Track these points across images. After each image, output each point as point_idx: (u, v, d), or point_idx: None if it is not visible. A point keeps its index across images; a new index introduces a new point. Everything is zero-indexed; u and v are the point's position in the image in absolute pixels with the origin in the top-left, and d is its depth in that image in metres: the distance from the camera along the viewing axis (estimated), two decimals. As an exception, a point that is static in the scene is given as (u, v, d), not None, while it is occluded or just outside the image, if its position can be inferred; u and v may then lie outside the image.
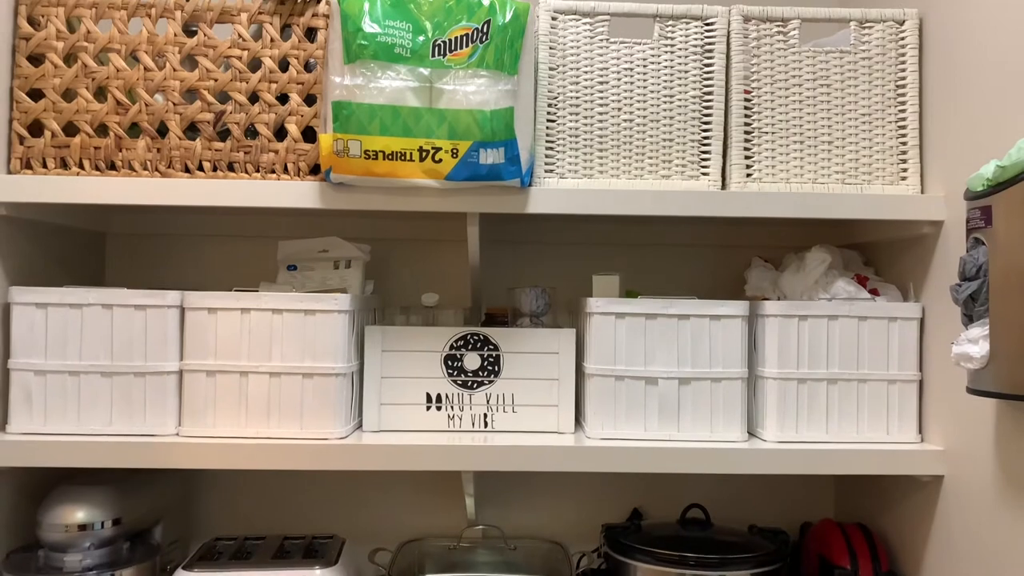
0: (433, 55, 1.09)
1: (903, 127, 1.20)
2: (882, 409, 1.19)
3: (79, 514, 1.14)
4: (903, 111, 1.21)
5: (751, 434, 1.21)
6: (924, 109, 1.21)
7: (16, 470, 1.18)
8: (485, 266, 1.33)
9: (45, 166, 1.15)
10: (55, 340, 1.13)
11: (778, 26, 1.20)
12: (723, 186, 1.20)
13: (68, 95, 1.16)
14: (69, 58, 1.16)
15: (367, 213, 1.32)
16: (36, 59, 1.16)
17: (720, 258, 1.49)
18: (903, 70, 1.21)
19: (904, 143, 1.20)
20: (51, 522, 1.13)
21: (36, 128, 1.16)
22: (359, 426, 1.21)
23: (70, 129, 1.16)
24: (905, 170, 1.20)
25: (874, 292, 1.24)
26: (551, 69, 1.19)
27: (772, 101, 1.20)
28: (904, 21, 1.21)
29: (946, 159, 1.16)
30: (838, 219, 1.22)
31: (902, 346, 1.19)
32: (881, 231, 1.30)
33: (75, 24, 1.16)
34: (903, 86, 1.21)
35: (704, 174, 1.20)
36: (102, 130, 1.16)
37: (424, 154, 1.09)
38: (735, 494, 1.47)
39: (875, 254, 1.37)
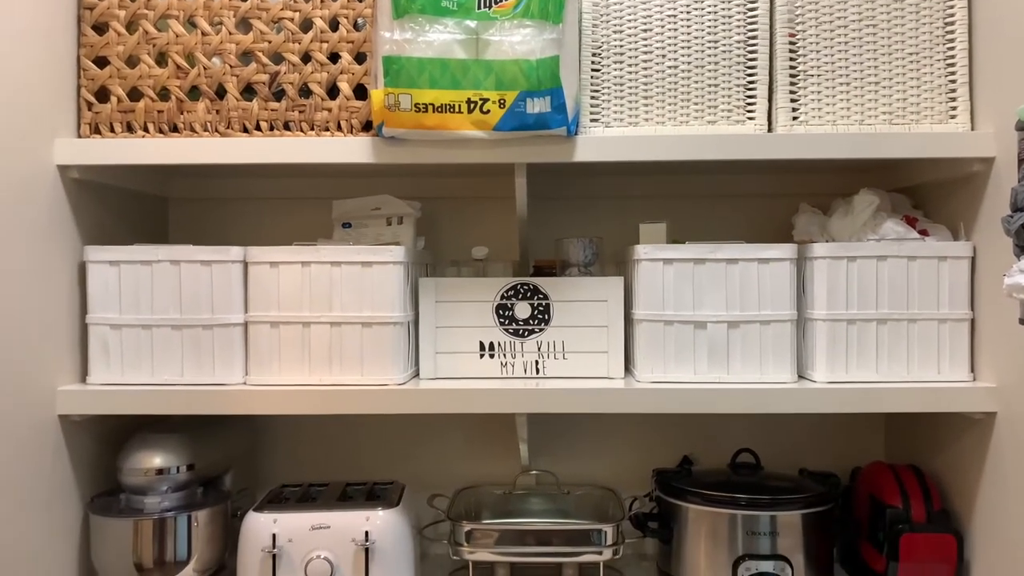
0: (479, 7, 1.11)
1: (952, 65, 1.19)
2: (933, 348, 1.19)
3: (156, 459, 1.20)
4: (952, 48, 1.19)
5: (801, 376, 1.23)
6: (973, 46, 1.19)
7: (96, 421, 1.25)
8: (531, 222, 1.36)
9: (112, 130, 1.21)
10: (128, 296, 1.19)
11: (822, -33, 1.20)
12: (769, 130, 1.21)
13: (131, 61, 1.21)
14: (131, 26, 1.21)
15: (417, 170, 1.35)
16: (100, 28, 1.21)
17: (767, 208, 1.49)
18: (951, 6, 1.19)
19: (953, 81, 1.19)
20: (131, 467, 1.20)
21: (102, 94, 1.21)
22: (416, 374, 1.26)
23: (134, 94, 1.21)
24: (954, 108, 1.19)
25: (924, 233, 1.24)
26: (595, 18, 1.20)
27: (817, 43, 1.20)
28: (952, -43, 1.19)
29: (996, 95, 1.15)
30: (886, 161, 1.22)
31: (953, 285, 1.19)
32: (931, 171, 1.29)
33: (135, -7, 1.21)
34: (952, 23, 1.19)
35: (750, 118, 1.20)
36: (164, 94, 1.21)
37: (472, 105, 1.12)
38: (785, 440, 1.49)
39: (924, 196, 1.36)
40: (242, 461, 1.43)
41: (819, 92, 1.20)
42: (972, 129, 1.19)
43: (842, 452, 1.48)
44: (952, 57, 1.19)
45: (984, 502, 1.18)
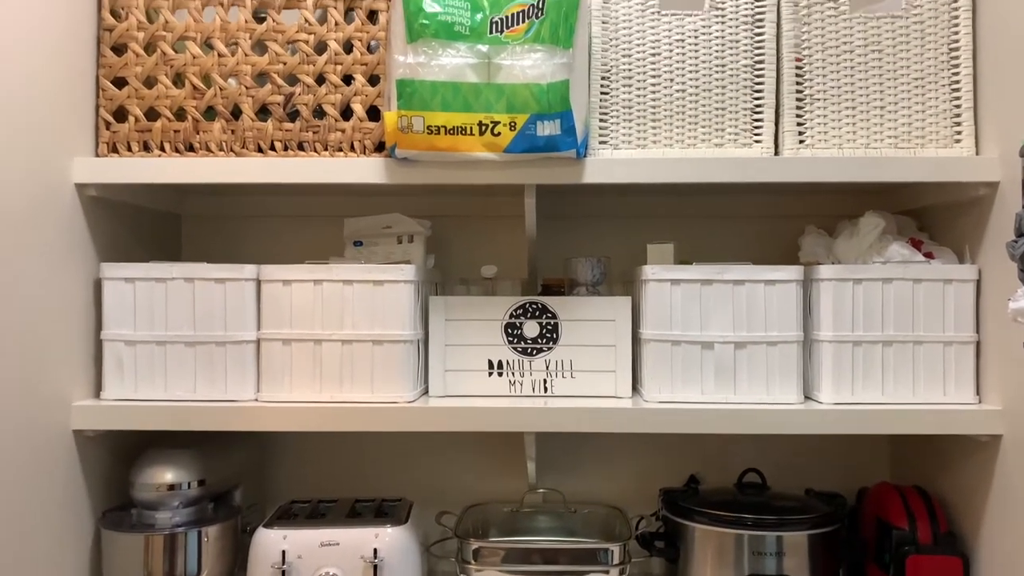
0: (491, 32, 1.14)
1: (957, 90, 1.21)
2: (938, 371, 1.20)
3: (168, 475, 1.21)
4: (956, 74, 1.21)
5: (807, 397, 1.23)
6: (978, 71, 1.21)
7: (109, 436, 1.26)
8: (540, 241, 1.37)
9: (130, 149, 1.23)
10: (143, 312, 1.21)
11: (829, -7, 1.22)
12: (776, 153, 1.22)
13: (149, 82, 1.23)
14: (149, 47, 1.23)
15: (428, 190, 1.37)
16: (119, 49, 1.24)
17: (773, 229, 1.50)
18: (956, 32, 1.21)
19: (958, 106, 1.21)
20: (143, 482, 1.21)
21: (120, 114, 1.24)
22: (425, 392, 1.27)
23: (151, 114, 1.23)
24: (959, 133, 1.21)
25: (929, 255, 1.25)
26: (604, 42, 1.22)
27: (824, 68, 1.22)
28: (957, -16, 1.21)
29: (1001, 120, 1.16)
30: (891, 185, 1.23)
31: (958, 308, 1.20)
32: (936, 195, 1.30)
33: (154, 15, 1.23)
34: (956, 49, 1.21)
35: (757, 142, 1.22)
36: (180, 114, 1.23)
37: (484, 128, 1.14)
38: (791, 460, 1.49)
39: (930, 219, 1.37)
40: (252, 477, 1.44)
41: (825, 116, 1.22)
42: (977, 153, 1.20)
43: (848, 473, 1.49)
44: (957, 82, 1.21)
45: (991, 524, 1.18)
